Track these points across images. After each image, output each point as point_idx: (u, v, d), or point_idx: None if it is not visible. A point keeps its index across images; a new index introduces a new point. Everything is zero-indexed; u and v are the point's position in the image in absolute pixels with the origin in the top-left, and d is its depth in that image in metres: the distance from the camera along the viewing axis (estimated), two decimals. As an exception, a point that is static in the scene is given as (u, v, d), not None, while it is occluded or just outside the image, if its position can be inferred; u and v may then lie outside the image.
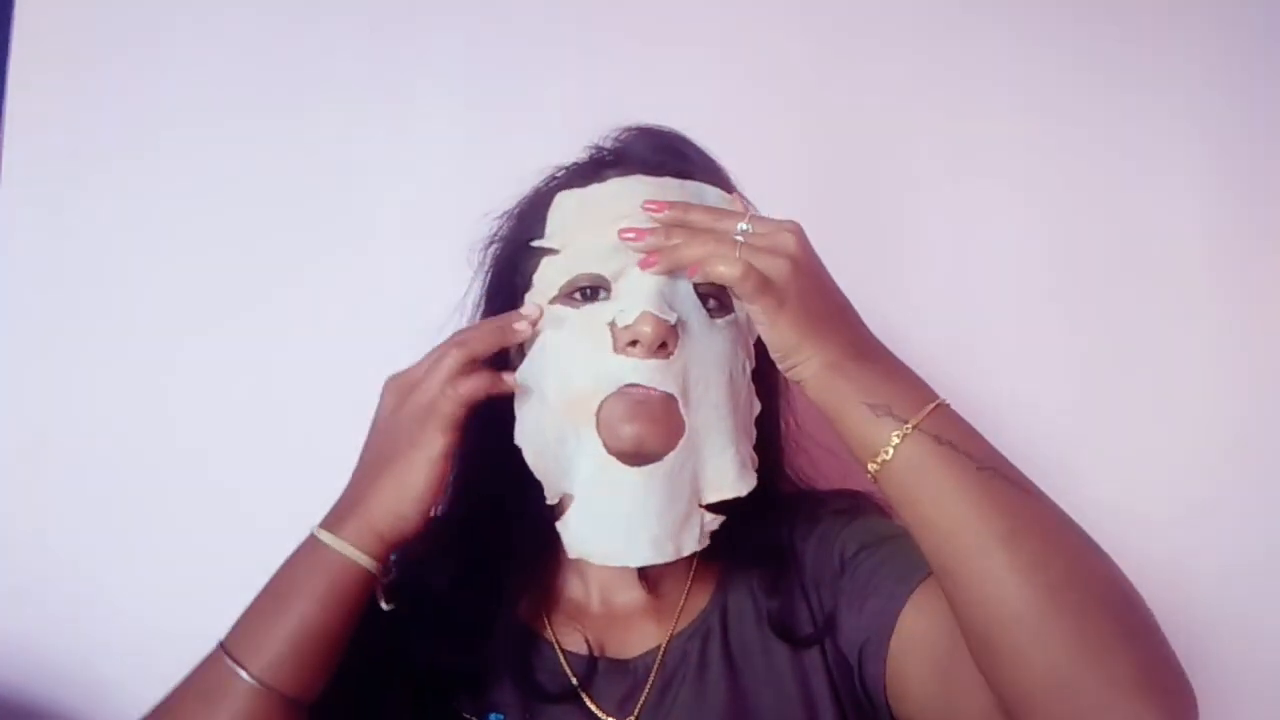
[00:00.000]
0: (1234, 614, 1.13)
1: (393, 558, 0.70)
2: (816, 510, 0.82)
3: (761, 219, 0.67)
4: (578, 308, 0.71)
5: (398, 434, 0.68)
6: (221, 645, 0.65)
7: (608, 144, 0.81)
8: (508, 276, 0.79)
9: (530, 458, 0.71)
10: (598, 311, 0.70)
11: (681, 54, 1.22)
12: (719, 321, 0.72)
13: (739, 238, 0.65)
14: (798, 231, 0.66)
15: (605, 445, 0.68)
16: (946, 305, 1.18)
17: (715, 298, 0.72)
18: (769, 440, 0.81)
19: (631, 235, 0.67)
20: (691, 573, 0.80)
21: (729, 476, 0.71)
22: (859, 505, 0.81)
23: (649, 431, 0.68)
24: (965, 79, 1.23)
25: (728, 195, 0.74)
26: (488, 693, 0.74)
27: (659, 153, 0.77)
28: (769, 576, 0.78)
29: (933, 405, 0.62)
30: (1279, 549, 1.15)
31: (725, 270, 0.63)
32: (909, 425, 0.60)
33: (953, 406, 0.64)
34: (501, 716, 0.73)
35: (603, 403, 0.68)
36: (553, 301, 0.72)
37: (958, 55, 1.23)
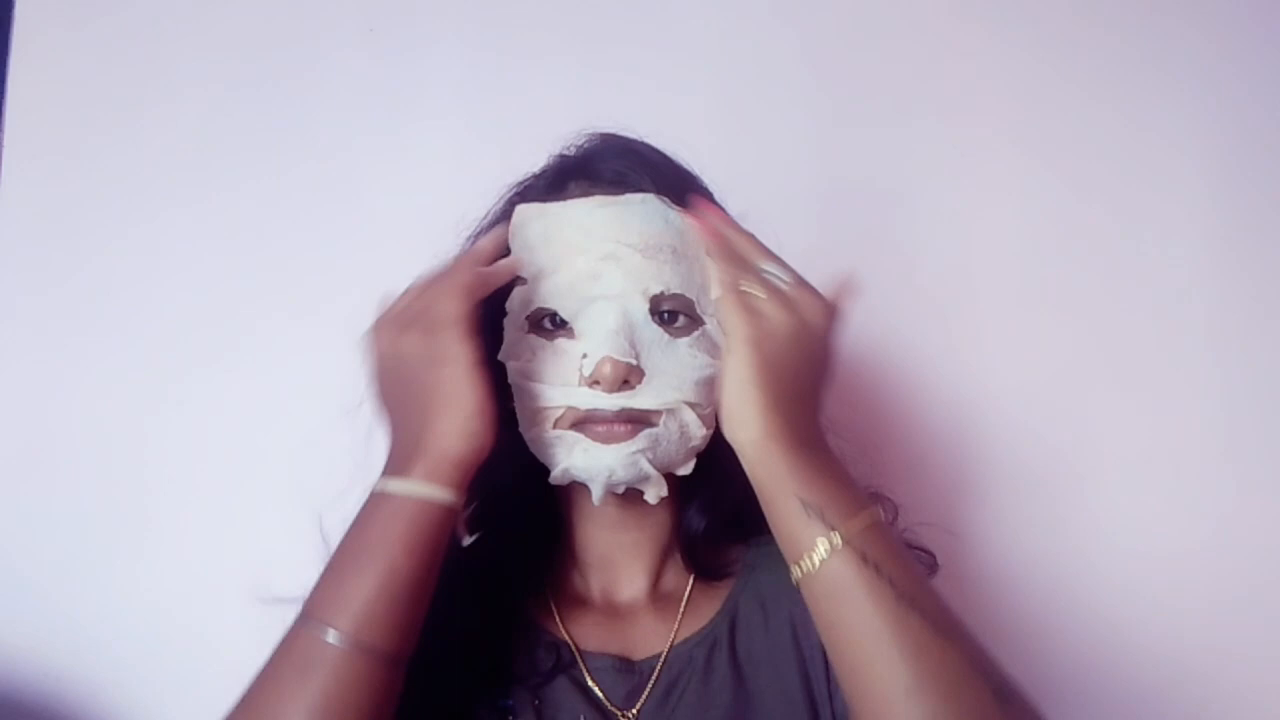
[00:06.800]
0: (1231, 613, 1.13)
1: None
2: None
3: (804, 283, 0.69)
4: (550, 340, 0.72)
5: (415, 365, 0.66)
6: (305, 613, 0.62)
7: (571, 151, 0.80)
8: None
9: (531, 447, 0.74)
10: (565, 348, 0.71)
11: (680, 56, 1.22)
12: (683, 340, 0.71)
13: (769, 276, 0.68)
14: (829, 311, 0.67)
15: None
16: (946, 306, 1.18)
17: (684, 313, 0.72)
18: None
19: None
20: (693, 575, 0.80)
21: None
22: None
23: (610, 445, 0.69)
24: (964, 78, 1.23)
25: (686, 216, 0.72)
26: (497, 682, 0.74)
27: (621, 165, 0.76)
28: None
29: (864, 514, 0.63)
30: (1277, 548, 1.15)
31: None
32: (838, 535, 0.61)
33: (881, 517, 0.64)
34: (511, 703, 0.73)
35: (568, 411, 0.70)
36: (527, 331, 0.73)
37: (957, 54, 1.23)
